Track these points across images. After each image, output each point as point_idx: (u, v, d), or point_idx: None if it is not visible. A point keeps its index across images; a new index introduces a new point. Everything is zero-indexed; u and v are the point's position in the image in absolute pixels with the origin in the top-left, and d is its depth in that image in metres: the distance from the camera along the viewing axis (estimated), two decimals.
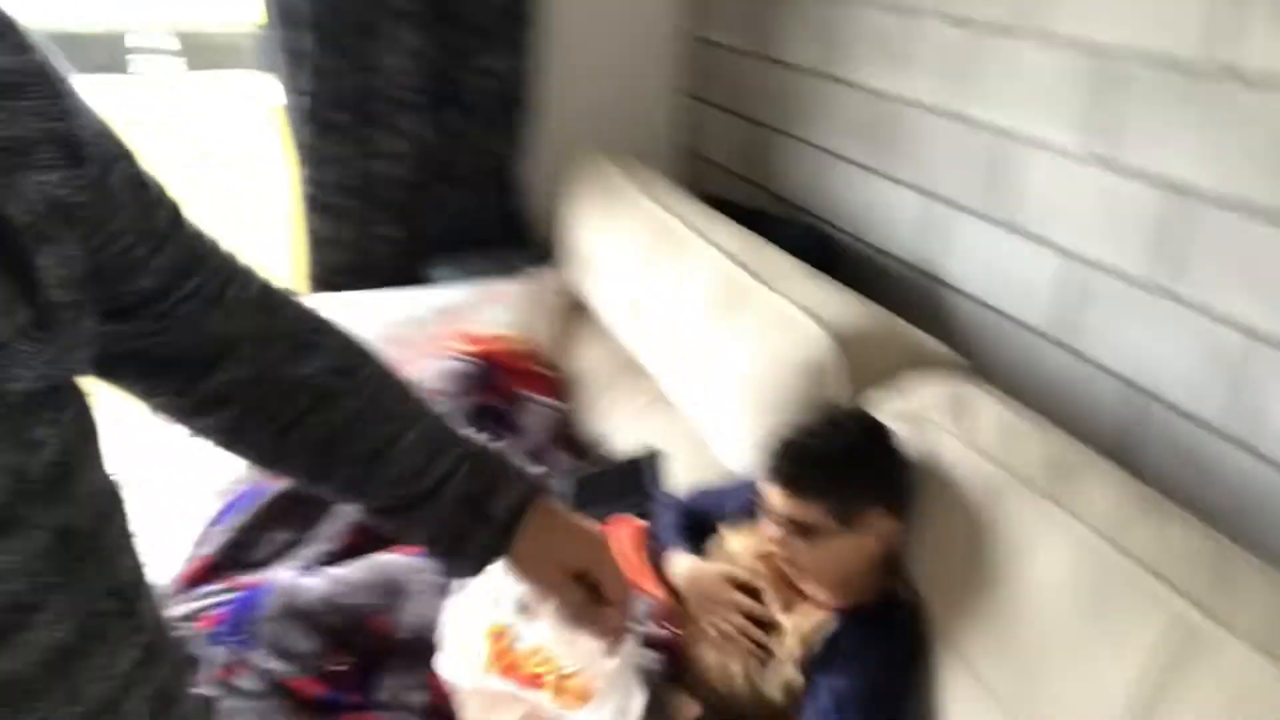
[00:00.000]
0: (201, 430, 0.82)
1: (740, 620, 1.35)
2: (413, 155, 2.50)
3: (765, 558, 1.39)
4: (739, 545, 1.45)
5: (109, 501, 0.64)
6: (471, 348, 2.14)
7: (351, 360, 0.82)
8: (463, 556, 0.84)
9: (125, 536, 0.66)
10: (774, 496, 1.28)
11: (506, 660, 1.08)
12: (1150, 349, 1.50)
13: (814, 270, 1.77)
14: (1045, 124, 1.63)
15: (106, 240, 0.65)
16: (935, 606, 1.29)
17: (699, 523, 1.59)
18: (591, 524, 0.88)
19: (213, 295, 0.77)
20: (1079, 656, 1.08)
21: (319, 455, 0.81)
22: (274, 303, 0.81)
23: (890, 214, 2.04)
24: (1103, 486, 1.19)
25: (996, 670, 1.17)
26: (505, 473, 0.84)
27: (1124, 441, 1.56)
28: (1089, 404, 1.62)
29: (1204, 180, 1.38)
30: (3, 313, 0.53)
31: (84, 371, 0.62)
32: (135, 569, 0.66)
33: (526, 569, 0.84)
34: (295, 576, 1.51)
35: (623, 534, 1.59)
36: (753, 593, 1.39)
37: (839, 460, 1.28)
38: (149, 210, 0.71)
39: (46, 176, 0.58)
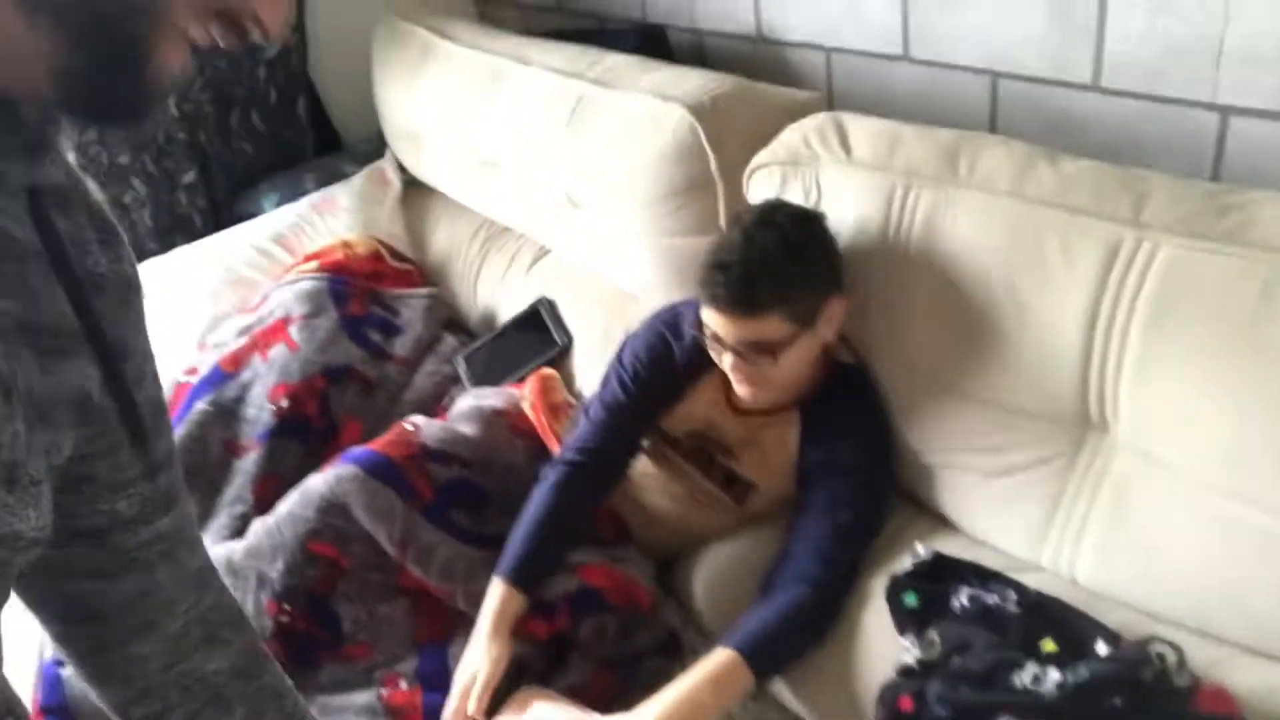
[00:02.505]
0: (92, 688, 0.80)
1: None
2: (195, 86, 2.26)
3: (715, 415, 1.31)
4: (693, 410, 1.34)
5: None
6: (316, 264, 1.98)
7: (254, 665, 0.82)
8: None
9: None
10: (723, 325, 1.17)
11: None
12: (997, 30, 1.49)
13: (655, 60, 1.68)
14: None
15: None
16: (876, 339, 1.26)
17: (615, 451, 1.35)
18: None
19: (171, 548, 0.75)
20: (1025, 311, 1.08)
21: None
22: (205, 578, 0.80)
23: None
24: (989, 156, 1.18)
25: (954, 365, 1.17)
26: None
27: (994, 125, 1.57)
28: (951, 105, 1.61)
29: None
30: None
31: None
32: None
33: None
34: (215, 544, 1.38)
35: (532, 389, 1.51)
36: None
37: (782, 263, 1.15)
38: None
39: None
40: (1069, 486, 1.09)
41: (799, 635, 1.13)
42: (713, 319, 1.18)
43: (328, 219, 2.15)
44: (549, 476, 1.31)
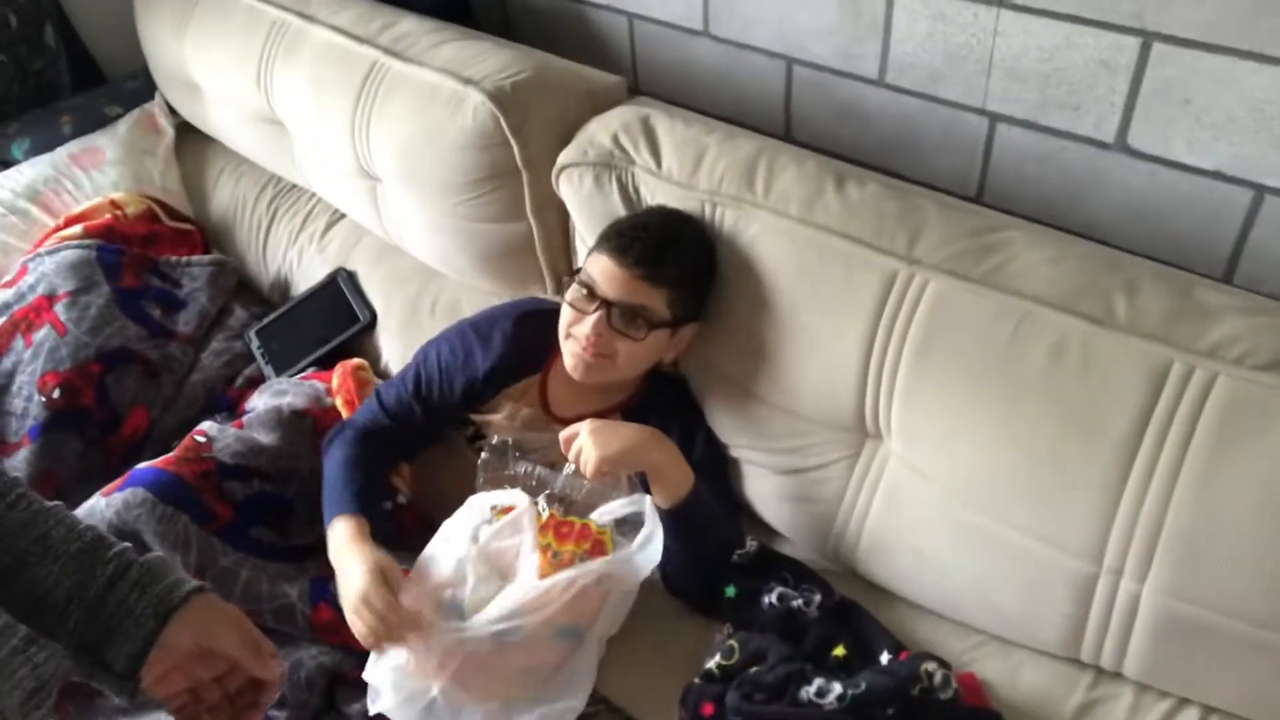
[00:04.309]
0: None
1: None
2: None
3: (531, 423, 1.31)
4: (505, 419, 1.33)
5: None
6: (81, 228, 1.80)
7: None
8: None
9: None
10: (614, 279, 1.17)
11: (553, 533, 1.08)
12: (792, 17, 1.52)
13: (452, 26, 1.60)
14: None
15: None
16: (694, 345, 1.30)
17: (404, 430, 1.33)
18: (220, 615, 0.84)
19: None
20: (812, 329, 1.16)
21: None
22: None
23: None
24: (783, 174, 1.21)
25: (751, 373, 1.23)
26: (121, 620, 0.78)
27: (789, 108, 1.63)
28: (748, 85, 1.65)
29: None
30: None
31: None
32: None
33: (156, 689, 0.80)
34: None
35: (341, 384, 1.47)
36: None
37: (693, 257, 1.21)
38: None
39: None
40: (849, 488, 1.19)
41: (718, 532, 1.20)
42: (605, 271, 1.18)
43: (92, 174, 1.95)
44: (339, 439, 1.29)
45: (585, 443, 1.10)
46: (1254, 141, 1.19)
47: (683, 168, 1.26)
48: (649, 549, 1.07)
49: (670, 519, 1.11)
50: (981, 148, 1.44)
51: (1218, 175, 1.24)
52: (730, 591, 1.16)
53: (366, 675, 1.10)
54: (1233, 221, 1.26)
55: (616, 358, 1.20)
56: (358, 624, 1.07)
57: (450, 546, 1.11)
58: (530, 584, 1.04)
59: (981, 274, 1.04)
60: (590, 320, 1.18)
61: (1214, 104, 1.19)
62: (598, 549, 1.09)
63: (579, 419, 1.28)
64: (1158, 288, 0.99)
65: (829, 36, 1.51)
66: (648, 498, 1.11)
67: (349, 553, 1.13)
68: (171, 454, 1.32)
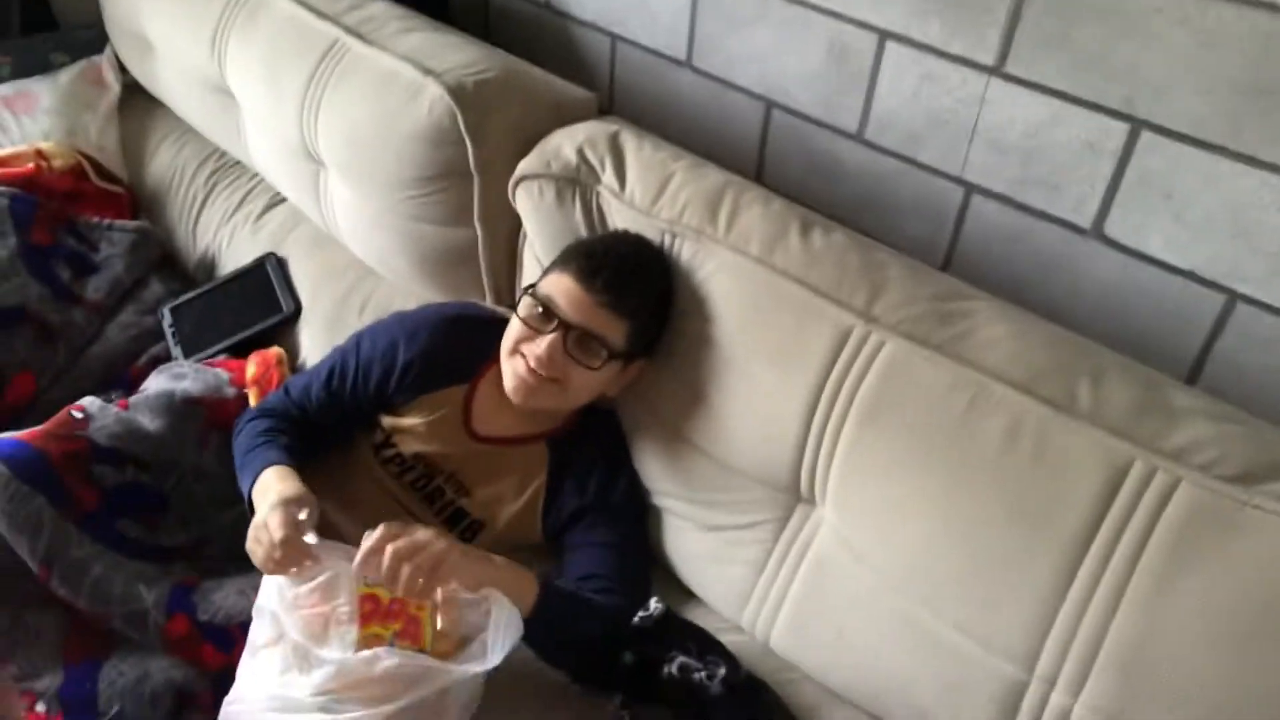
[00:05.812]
0: None
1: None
2: None
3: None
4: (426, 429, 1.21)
5: None
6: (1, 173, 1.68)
7: None
8: None
9: None
10: (577, 302, 1.09)
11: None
12: (777, 59, 1.46)
13: (423, 17, 1.52)
14: None
15: None
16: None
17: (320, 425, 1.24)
18: None
19: None
20: (756, 377, 1.08)
21: None
22: None
23: None
24: (748, 212, 1.14)
25: (687, 415, 1.15)
26: None
27: (763, 153, 1.56)
28: (726, 122, 1.58)
29: None
30: None
31: None
32: None
33: None
34: None
35: (263, 374, 1.36)
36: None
37: (656, 292, 1.14)
38: None
39: None
40: (774, 554, 1.11)
41: (589, 625, 1.07)
42: (568, 293, 1.10)
43: (23, 120, 1.83)
44: (250, 422, 1.21)
45: (439, 545, 0.95)
46: (1231, 246, 1.14)
47: (646, 193, 1.18)
48: (487, 655, 0.91)
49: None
50: (954, 217, 1.38)
51: (1191, 276, 1.19)
52: (628, 658, 1.06)
53: None
54: (1201, 326, 1.20)
55: (566, 384, 1.12)
56: (254, 549, 1.00)
57: (266, 603, 0.98)
58: (342, 659, 0.90)
59: (940, 341, 0.97)
60: (545, 340, 1.09)
61: (1195, 202, 1.15)
62: (411, 629, 0.93)
63: (502, 439, 1.21)
64: (1125, 379, 0.92)
65: (812, 83, 1.45)
66: (502, 599, 0.96)
67: (270, 488, 1.06)
68: (41, 427, 1.19)
